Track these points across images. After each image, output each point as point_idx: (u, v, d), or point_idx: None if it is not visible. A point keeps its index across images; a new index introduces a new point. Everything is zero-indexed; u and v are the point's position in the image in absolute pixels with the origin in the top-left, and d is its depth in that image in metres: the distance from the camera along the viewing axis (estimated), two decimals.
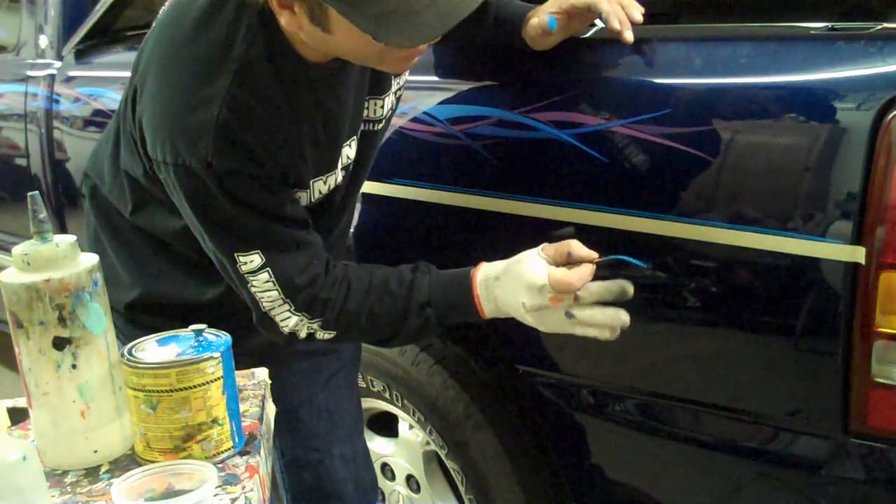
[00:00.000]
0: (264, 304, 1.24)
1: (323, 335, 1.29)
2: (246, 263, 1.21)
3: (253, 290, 1.23)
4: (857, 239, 1.15)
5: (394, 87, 1.39)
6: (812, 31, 1.26)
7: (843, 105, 1.17)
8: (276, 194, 1.20)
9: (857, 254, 1.15)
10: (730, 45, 1.34)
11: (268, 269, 1.21)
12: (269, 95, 1.17)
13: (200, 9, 1.19)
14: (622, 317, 1.17)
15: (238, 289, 1.26)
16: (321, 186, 1.29)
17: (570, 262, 1.19)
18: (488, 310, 1.24)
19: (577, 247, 1.19)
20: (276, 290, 1.23)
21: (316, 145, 1.24)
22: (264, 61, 1.16)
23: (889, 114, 1.11)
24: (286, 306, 1.24)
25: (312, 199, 1.29)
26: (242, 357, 1.19)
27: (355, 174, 1.38)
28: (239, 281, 1.23)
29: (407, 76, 1.43)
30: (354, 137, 1.33)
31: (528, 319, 1.21)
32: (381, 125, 1.39)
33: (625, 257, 1.18)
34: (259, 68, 1.16)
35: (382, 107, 1.37)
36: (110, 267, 1.39)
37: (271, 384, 1.22)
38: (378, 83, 1.34)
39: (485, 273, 1.24)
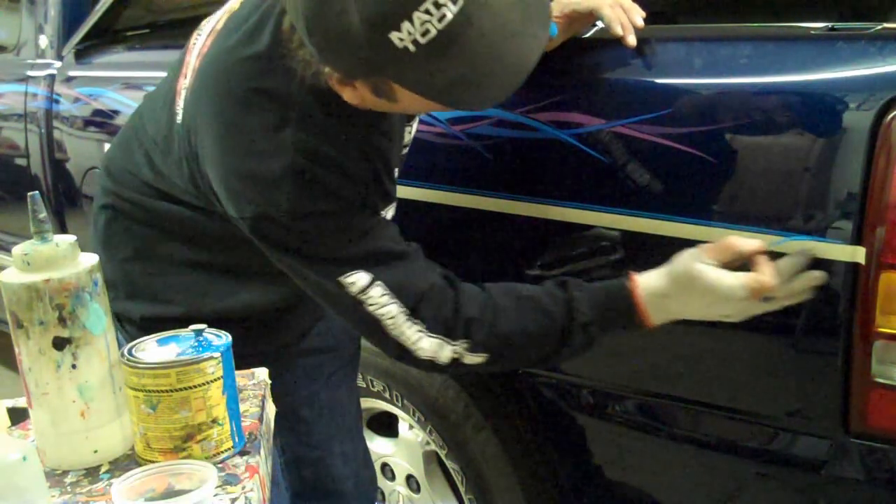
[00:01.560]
0: (386, 322, 1.17)
1: (472, 360, 1.20)
2: (353, 283, 1.17)
3: (371, 308, 1.17)
4: (857, 239, 1.15)
5: None
6: (812, 31, 1.26)
7: (843, 105, 1.17)
8: (359, 217, 1.18)
9: (857, 254, 1.15)
10: (730, 45, 1.34)
11: (378, 282, 1.17)
12: (331, 135, 1.16)
13: (252, 59, 1.18)
14: (816, 277, 1.16)
15: (355, 317, 1.19)
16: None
17: (739, 259, 1.17)
18: (659, 320, 1.22)
19: (741, 244, 1.16)
20: (395, 302, 1.17)
21: (387, 169, 1.23)
22: (321, 111, 1.16)
23: (889, 114, 1.11)
24: (415, 326, 1.18)
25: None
26: (249, 359, 1.20)
27: None
28: (354, 305, 1.17)
29: None
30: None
31: (728, 320, 1.19)
32: (406, 150, 1.39)
33: (791, 238, 1.17)
34: (317, 116, 1.16)
35: (410, 132, 1.38)
36: (147, 285, 1.40)
37: (273, 382, 1.22)
38: None
39: (647, 290, 1.20)
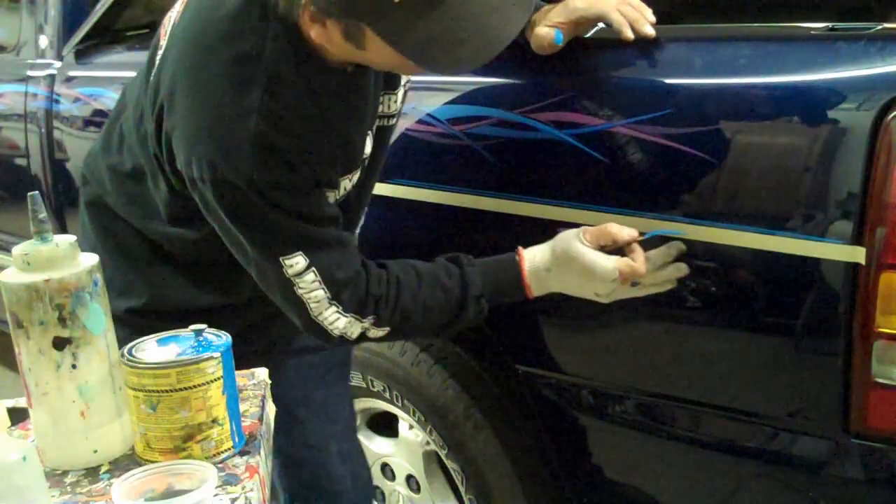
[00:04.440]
0: (311, 306, 1.24)
1: (376, 333, 1.30)
2: (292, 266, 1.22)
3: (300, 292, 1.23)
4: (857, 239, 1.15)
5: (403, 81, 1.40)
6: (812, 31, 1.26)
7: (843, 105, 1.17)
8: (312, 197, 1.22)
9: (857, 254, 1.15)
10: (730, 45, 1.34)
11: (313, 268, 1.22)
12: (299, 103, 1.18)
13: (224, 20, 1.19)
14: (682, 269, 1.27)
15: (282, 295, 1.25)
16: (347, 184, 1.31)
17: (615, 245, 1.26)
18: (538, 293, 1.32)
19: (617, 231, 1.25)
20: (322, 288, 1.23)
21: (345, 146, 1.26)
22: (293, 70, 1.17)
23: (889, 114, 1.11)
24: (333, 308, 1.25)
25: (338, 197, 1.30)
26: (243, 360, 1.19)
27: (370, 170, 1.38)
28: (285, 285, 1.23)
29: None
30: (370, 132, 1.34)
31: (598, 300, 1.29)
32: (393, 120, 1.40)
33: (663, 231, 1.27)
34: (288, 77, 1.17)
35: (396, 101, 1.38)
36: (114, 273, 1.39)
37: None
38: (391, 78, 1.36)
39: (532, 264, 1.30)
